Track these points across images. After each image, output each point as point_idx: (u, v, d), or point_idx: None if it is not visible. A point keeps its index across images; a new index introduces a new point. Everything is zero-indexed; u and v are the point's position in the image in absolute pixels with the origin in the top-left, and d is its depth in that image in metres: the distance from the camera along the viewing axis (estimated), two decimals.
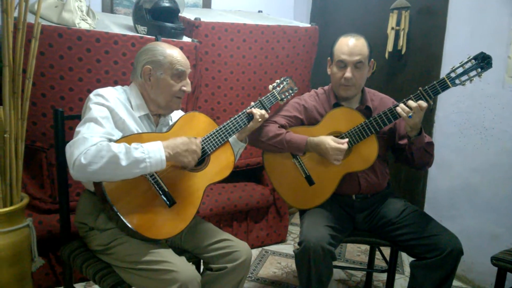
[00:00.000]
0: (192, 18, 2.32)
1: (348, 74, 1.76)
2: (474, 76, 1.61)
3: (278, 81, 1.84)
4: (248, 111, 1.69)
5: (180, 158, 1.42)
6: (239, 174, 2.67)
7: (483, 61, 1.60)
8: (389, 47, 2.69)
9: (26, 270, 1.72)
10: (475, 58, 1.60)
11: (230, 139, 1.74)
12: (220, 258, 1.52)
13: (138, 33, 2.11)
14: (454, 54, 2.42)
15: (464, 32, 2.35)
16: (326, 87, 1.95)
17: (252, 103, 1.74)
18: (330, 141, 1.71)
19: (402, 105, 1.64)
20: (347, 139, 1.73)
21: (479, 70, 1.60)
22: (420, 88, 1.64)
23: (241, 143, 1.75)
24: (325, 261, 1.61)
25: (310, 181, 1.82)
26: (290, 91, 1.85)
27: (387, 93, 1.99)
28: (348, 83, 1.78)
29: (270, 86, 1.81)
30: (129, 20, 2.24)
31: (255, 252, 2.66)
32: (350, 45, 1.76)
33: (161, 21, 2.10)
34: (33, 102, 1.82)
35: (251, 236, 2.68)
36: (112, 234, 1.44)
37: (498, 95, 2.20)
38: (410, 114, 1.61)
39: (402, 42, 2.65)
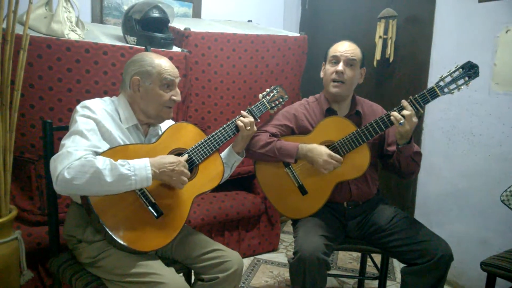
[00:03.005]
0: (182, 28, 2.33)
1: (339, 67, 1.80)
2: (462, 84, 1.64)
3: (268, 90, 1.84)
4: (236, 120, 1.70)
5: (165, 178, 1.41)
6: (230, 183, 2.66)
7: (470, 70, 1.63)
8: (377, 55, 2.72)
9: (14, 283, 1.69)
10: (462, 67, 1.64)
11: (226, 151, 1.74)
12: (212, 268, 1.51)
13: (127, 43, 2.11)
14: (441, 62, 2.46)
15: (451, 40, 2.39)
16: (317, 95, 1.97)
17: (242, 112, 1.74)
18: (323, 148, 1.72)
19: (394, 112, 1.66)
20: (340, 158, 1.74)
21: (467, 78, 1.64)
22: (410, 97, 1.66)
23: (238, 156, 1.75)
24: (320, 271, 1.61)
25: (303, 190, 1.82)
26: (281, 100, 1.86)
27: (376, 100, 2.02)
28: (339, 78, 1.80)
29: (260, 95, 1.82)
30: (119, 31, 2.24)
31: (247, 261, 2.65)
32: (345, 44, 1.85)
33: (151, 31, 2.11)
34: (22, 113, 1.81)
35: (242, 245, 2.68)
36: (100, 247, 1.42)
37: (484, 102, 2.23)
38: (402, 121, 1.63)
39: (389, 50, 2.68)
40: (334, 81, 1.82)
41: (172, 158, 1.43)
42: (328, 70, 1.85)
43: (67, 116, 1.90)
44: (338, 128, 1.78)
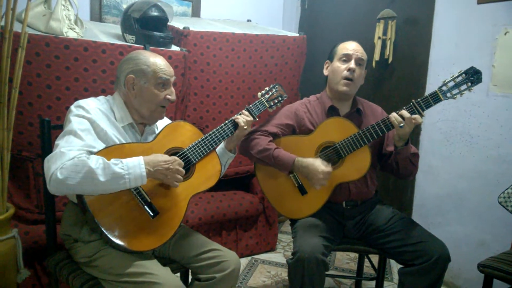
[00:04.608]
0: (181, 27, 2.33)
1: (352, 65, 1.80)
2: (464, 90, 1.63)
3: (267, 88, 1.83)
4: (234, 118, 1.69)
5: (160, 176, 1.40)
6: (228, 183, 2.67)
7: (473, 76, 1.62)
8: (376, 56, 2.73)
9: (11, 282, 1.69)
10: (466, 72, 1.63)
11: (219, 149, 1.73)
12: (208, 268, 1.51)
13: (126, 42, 2.11)
14: (439, 63, 2.46)
15: (449, 41, 2.39)
16: (318, 94, 1.96)
17: (243, 111, 1.74)
18: (320, 166, 1.69)
19: (395, 114, 1.66)
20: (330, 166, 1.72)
21: (470, 84, 1.63)
22: (413, 100, 1.66)
23: (230, 153, 1.74)
24: (318, 272, 1.61)
25: (302, 190, 1.82)
26: (280, 98, 1.85)
27: (375, 101, 2.02)
28: (351, 75, 1.81)
29: (259, 94, 1.81)
30: (118, 29, 2.24)
31: (245, 261, 2.65)
32: (354, 44, 1.86)
33: (150, 30, 2.10)
34: (20, 111, 1.81)
35: (240, 245, 2.67)
36: (96, 246, 1.42)
37: (482, 103, 2.24)
38: (402, 124, 1.63)
39: (388, 51, 2.68)
40: (346, 78, 1.82)
41: (167, 156, 1.42)
42: (338, 67, 1.84)
43: (65, 115, 1.89)
44: (340, 129, 1.78)
